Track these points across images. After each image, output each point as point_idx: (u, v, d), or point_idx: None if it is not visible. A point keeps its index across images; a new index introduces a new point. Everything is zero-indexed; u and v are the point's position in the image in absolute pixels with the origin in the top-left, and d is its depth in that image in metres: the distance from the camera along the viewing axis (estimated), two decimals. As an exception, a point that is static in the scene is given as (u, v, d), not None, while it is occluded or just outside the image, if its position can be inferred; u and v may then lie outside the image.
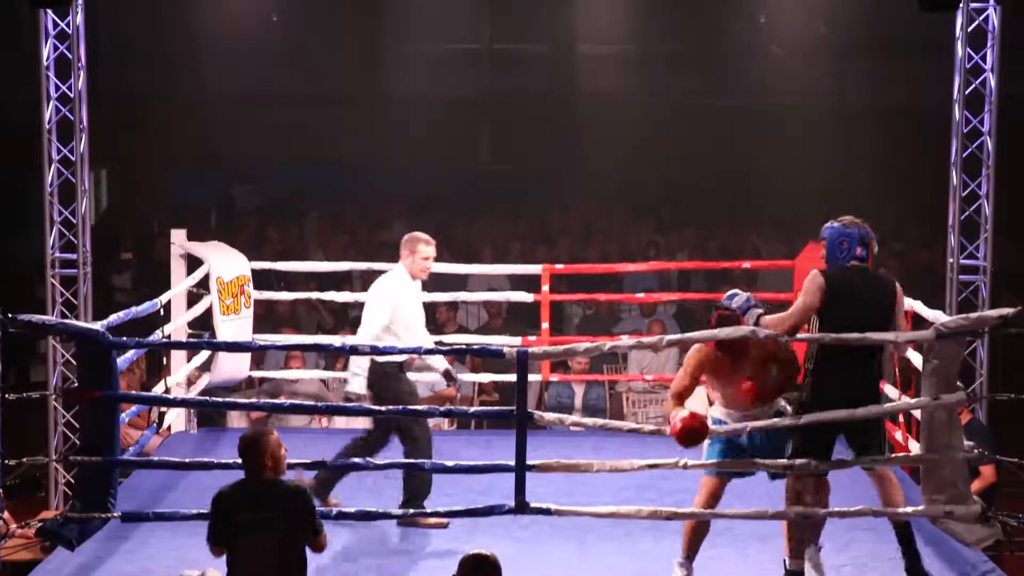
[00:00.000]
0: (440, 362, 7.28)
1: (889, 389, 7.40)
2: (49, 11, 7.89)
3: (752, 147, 15.31)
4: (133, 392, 8.13)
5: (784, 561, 5.98)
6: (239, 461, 5.10)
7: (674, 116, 15.42)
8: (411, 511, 6.56)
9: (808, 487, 5.90)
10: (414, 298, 7.07)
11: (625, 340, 8.04)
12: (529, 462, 5.98)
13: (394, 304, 6.91)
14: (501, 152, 16.79)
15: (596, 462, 6.15)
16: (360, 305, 9.56)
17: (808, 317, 5.82)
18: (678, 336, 6.33)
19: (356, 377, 6.95)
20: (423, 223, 14.56)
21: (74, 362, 7.27)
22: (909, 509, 6.03)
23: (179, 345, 8.23)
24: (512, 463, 5.97)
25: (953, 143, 8.14)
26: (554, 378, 9.08)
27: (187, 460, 6.53)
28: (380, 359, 6.86)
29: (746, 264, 10.04)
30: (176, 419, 8.59)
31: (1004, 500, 7.59)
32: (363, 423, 9.37)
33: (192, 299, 8.48)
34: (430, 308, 10.92)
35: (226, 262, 8.56)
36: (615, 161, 15.49)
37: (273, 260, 9.54)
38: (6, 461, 6.08)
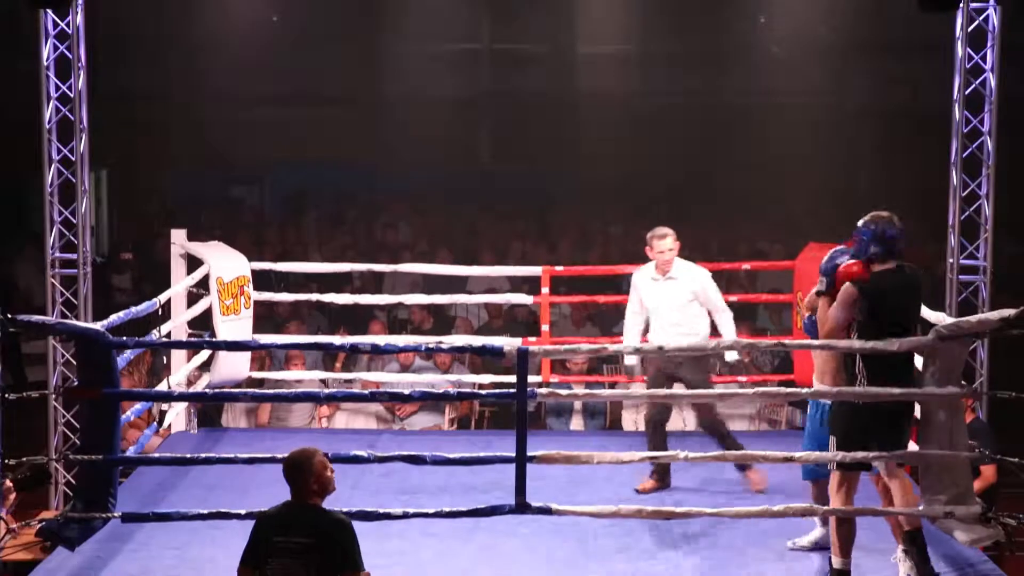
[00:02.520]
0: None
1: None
2: (49, 11, 7.88)
3: (752, 147, 15.29)
4: (133, 389, 8.13)
5: (830, 560, 5.98)
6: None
7: (674, 116, 15.41)
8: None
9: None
10: (656, 287, 7.67)
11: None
12: (530, 453, 6.00)
13: (631, 291, 7.80)
14: (501, 152, 16.78)
15: (596, 454, 6.14)
16: (359, 306, 9.57)
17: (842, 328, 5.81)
18: (677, 345, 6.31)
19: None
20: (423, 223, 14.67)
21: (74, 362, 7.26)
22: (909, 509, 6.03)
23: (179, 344, 8.22)
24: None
25: (953, 143, 8.13)
26: (554, 379, 9.07)
27: (187, 455, 6.51)
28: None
29: (746, 265, 10.03)
30: (176, 419, 8.59)
31: (1004, 500, 7.58)
32: (363, 422, 9.40)
33: (192, 299, 8.48)
34: (435, 311, 10.94)
35: (226, 262, 8.56)
36: (615, 161, 15.49)
37: (273, 261, 9.54)
38: (6, 461, 6.08)
